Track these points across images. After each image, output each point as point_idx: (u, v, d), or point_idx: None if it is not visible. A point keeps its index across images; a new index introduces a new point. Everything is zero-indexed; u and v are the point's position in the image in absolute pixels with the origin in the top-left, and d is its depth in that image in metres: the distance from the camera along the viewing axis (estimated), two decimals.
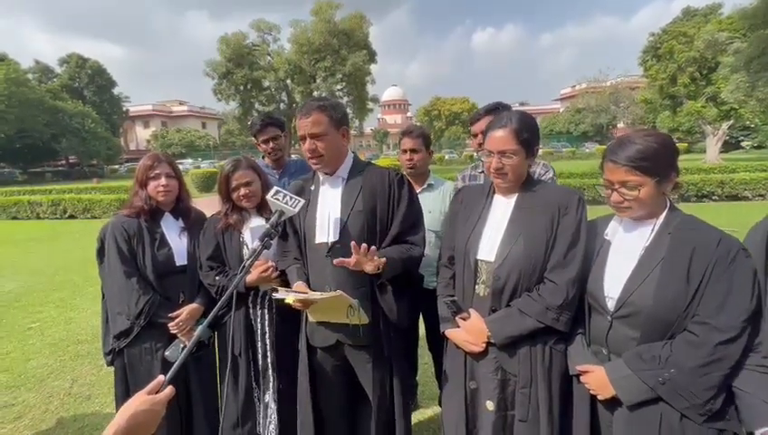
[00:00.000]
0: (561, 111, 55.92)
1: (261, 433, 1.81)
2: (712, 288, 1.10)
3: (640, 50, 25.78)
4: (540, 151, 1.46)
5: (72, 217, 12.42)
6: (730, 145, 30.28)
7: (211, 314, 1.07)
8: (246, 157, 1.95)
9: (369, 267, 1.40)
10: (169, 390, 0.89)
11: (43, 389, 3.00)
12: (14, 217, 12.79)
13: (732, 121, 21.85)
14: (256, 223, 1.84)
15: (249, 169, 1.86)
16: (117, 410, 0.87)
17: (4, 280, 5.95)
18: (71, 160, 40.38)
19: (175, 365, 0.93)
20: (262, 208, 1.88)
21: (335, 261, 1.44)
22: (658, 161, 1.15)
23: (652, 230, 1.21)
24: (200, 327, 1.03)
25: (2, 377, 3.20)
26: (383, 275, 1.47)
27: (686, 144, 33.09)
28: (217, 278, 1.77)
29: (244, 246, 1.82)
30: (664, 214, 1.21)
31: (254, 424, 1.82)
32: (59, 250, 7.97)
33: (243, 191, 1.82)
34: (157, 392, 0.88)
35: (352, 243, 1.39)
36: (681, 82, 22.67)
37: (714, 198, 11.07)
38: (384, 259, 1.42)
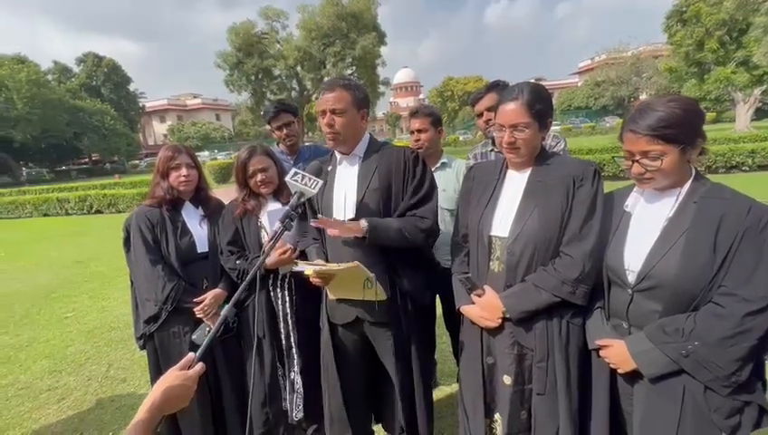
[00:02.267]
0: (579, 85, 53.81)
1: (288, 410, 1.89)
2: (740, 258, 1.05)
3: (664, 15, 24.36)
4: (558, 128, 1.42)
5: (98, 211, 12.91)
6: (763, 112, 28.59)
7: (235, 294, 1.11)
8: (261, 143, 1.98)
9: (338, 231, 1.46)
10: (200, 366, 0.94)
11: (83, 373, 3.19)
12: (45, 214, 13.39)
13: (765, 87, 20.56)
14: (273, 207, 1.87)
15: (264, 155, 1.88)
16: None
17: (41, 273, 6.27)
18: (93, 158, 41.69)
19: (204, 343, 0.98)
20: (278, 193, 1.92)
21: (313, 222, 1.52)
22: (682, 128, 1.09)
23: (676, 200, 1.16)
24: (225, 307, 1.08)
25: (45, 362, 3.41)
26: (370, 238, 1.47)
27: (715, 113, 31.42)
28: (238, 262, 1.82)
29: (263, 230, 1.86)
30: (689, 183, 1.16)
31: (280, 402, 1.89)
32: (88, 243, 8.32)
33: (260, 177, 1.85)
34: (189, 368, 0.93)
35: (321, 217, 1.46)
36: (709, 48, 21.34)
37: (744, 168, 10.53)
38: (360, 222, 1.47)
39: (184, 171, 1.87)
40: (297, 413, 1.86)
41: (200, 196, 1.99)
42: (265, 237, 1.84)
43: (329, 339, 1.69)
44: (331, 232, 1.48)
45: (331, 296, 1.65)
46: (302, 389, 1.86)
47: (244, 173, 1.88)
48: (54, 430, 2.53)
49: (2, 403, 2.85)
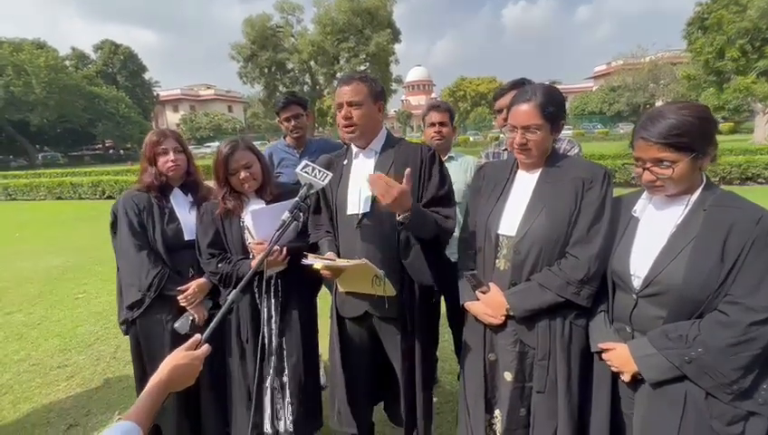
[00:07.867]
0: (594, 89, 53.10)
1: (276, 411, 1.80)
2: (748, 267, 1.05)
3: (685, 22, 23.88)
4: (570, 132, 1.41)
5: (110, 197, 13.10)
6: None
7: (245, 278, 1.13)
8: (243, 138, 1.87)
9: (395, 194, 1.29)
10: (206, 347, 0.97)
11: (91, 352, 3.28)
12: (59, 198, 13.67)
13: None
14: (256, 206, 1.76)
15: (247, 151, 1.75)
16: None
17: (53, 256, 6.42)
18: (107, 144, 42.31)
19: (212, 324, 1.00)
20: (261, 191, 1.80)
21: (371, 176, 1.34)
22: (694, 136, 1.09)
23: (685, 207, 1.16)
24: (234, 292, 1.10)
25: (56, 341, 3.51)
26: (410, 223, 1.39)
27: (733, 123, 30.82)
28: (220, 266, 1.73)
29: (246, 231, 1.76)
30: (699, 190, 1.16)
31: (273, 407, 1.79)
32: (100, 228, 8.41)
33: (243, 175, 1.72)
34: (195, 349, 0.96)
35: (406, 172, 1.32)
36: (729, 56, 20.87)
37: (760, 180, 10.33)
38: (406, 188, 1.31)
39: (171, 156, 1.80)
40: (288, 424, 1.79)
41: (189, 182, 1.92)
42: (249, 238, 1.76)
43: (337, 333, 1.70)
44: (373, 186, 1.32)
45: (340, 289, 1.66)
46: (288, 394, 1.78)
47: (225, 170, 1.73)
48: (63, 406, 2.60)
49: (14, 378, 2.95)
